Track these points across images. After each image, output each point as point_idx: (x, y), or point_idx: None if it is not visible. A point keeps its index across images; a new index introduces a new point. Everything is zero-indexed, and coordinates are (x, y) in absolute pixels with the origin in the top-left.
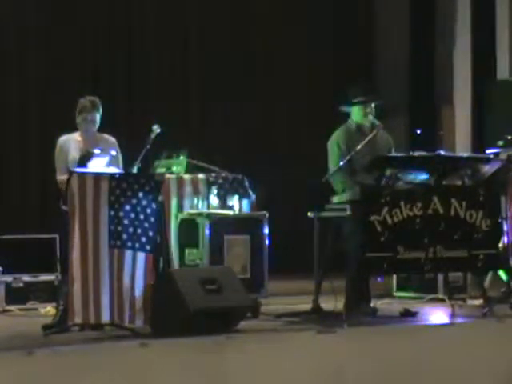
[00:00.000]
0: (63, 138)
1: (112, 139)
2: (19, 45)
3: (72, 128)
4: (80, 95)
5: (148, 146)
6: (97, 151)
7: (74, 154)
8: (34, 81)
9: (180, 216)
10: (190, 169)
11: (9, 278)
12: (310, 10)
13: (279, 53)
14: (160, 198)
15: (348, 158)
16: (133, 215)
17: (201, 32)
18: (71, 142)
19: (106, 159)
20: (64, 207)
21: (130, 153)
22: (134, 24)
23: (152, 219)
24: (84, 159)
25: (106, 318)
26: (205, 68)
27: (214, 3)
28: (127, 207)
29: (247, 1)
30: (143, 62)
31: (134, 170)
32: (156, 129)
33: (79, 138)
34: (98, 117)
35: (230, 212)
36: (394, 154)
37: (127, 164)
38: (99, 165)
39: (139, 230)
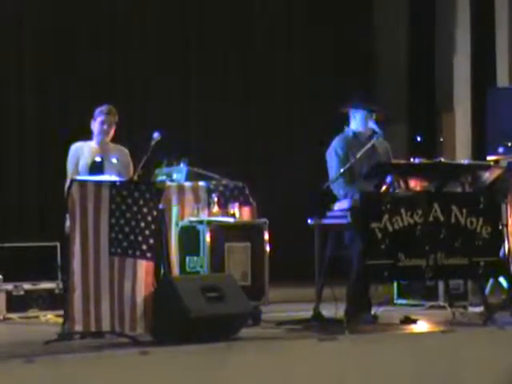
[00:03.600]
0: (75, 146)
1: (123, 149)
2: (18, 47)
3: (71, 135)
4: (80, 99)
5: (148, 154)
6: (97, 159)
7: (88, 159)
8: (32, 84)
9: (181, 223)
10: (190, 176)
11: (9, 286)
12: (309, 12)
13: (279, 55)
14: (161, 206)
15: (348, 165)
16: (133, 223)
17: (201, 35)
18: (85, 149)
19: (116, 167)
20: None
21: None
22: (134, 25)
23: (153, 227)
24: (92, 169)
25: (106, 325)
26: (205, 74)
27: (215, 5)
28: (128, 215)
29: (248, 1)
30: (143, 67)
31: (135, 178)
32: (156, 136)
33: (95, 145)
34: (113, 123)
35: (231, 219)
36: (394, 160)
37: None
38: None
39: (140, 238)
